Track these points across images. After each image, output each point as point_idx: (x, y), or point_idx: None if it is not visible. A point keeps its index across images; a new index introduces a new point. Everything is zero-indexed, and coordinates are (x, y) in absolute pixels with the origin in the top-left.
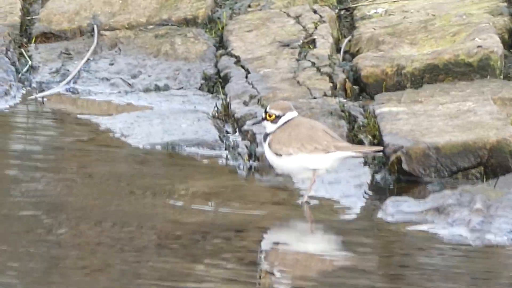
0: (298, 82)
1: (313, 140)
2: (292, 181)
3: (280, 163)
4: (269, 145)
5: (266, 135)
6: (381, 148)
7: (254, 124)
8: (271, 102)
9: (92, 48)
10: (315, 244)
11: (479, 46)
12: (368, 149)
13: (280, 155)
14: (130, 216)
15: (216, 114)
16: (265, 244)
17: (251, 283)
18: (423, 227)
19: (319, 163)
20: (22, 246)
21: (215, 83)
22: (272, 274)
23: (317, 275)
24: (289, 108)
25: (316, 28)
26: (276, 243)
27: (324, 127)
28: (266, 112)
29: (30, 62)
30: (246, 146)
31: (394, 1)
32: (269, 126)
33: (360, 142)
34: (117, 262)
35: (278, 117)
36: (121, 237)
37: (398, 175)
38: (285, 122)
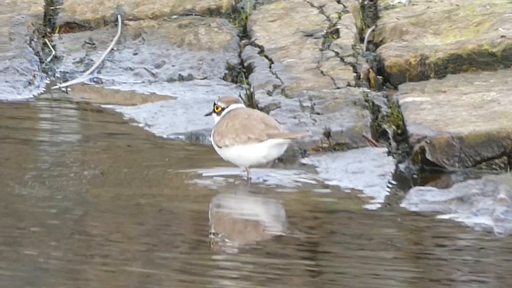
0: (321, 72)
1: (246, 129)
2: (317, 170)
3: (222, 154)
4: (212, 136)
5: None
6: (309, 132)
7: (206, 115)
8: (220, 96)
9: (116, 38)
10: (337, 235)
11: (502, 36)
12: (297, 134)
13: (220, 147)
14: (163, 201)
15: None
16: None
17: None
18: (447, 217)
19: (254, 153)
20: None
21: (239, 73)
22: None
23: (347, 266)
24: (234, 101)
25: (339, 18)
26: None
27: (262, 115)
28: (214, 104)
29: (54, 52)
30: None
31: None
32: (215, 118)
33: (384, 132)
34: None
35: (222, 109)
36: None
37: (422, 165)
38: (227, 113)
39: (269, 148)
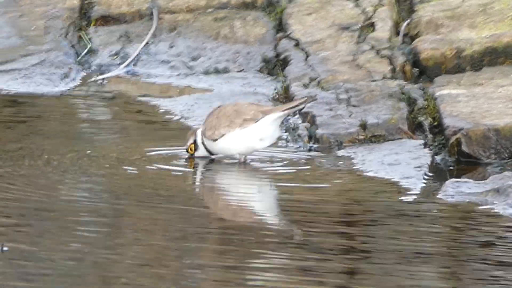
0: (357, 64)
1: (240, 113)
2: (353, 162)
3: (219, 147)
4: (203, 134)
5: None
6: (305, 98)
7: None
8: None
9: (152, 31)
10: (373, 228)
11: None
12: (294, 103)
13: (216, 140)
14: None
15: (276, 96)
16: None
17: None
18: (484, 208)
19: (254, 133)
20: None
21: (275, 65)
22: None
23: (384, 259)
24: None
25: (375, 11)
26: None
27: (247, 102)
28: (186, 150)
29: (89, 45)
30: (306, 128)
31: None
32: (199, 150)
33: (420, 124)
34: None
35: (194, 141)
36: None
37: (458, 156)
38: (209, 115)
39: (268, 126)
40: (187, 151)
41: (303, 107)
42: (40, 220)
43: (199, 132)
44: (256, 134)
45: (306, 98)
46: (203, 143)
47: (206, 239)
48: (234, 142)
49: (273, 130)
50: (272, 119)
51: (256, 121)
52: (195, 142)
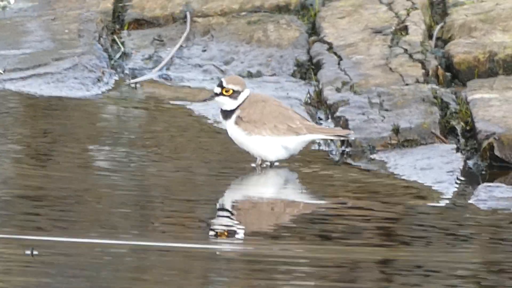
0: (390, 68)
1: (285, 118)
2: (386, 166)
3: (248, 141)
4: (237, 123)
5: (228, 112)
6: (352, 132)
7: (205, 100)
8: (224, 77)
9: (185, 34)
10: (407, 230)
11: None
12: (337, 132)
13: (251, 135)
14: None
15: (309, 101)
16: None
17: None
18: None
19: (290, 145)
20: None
21: (308, 69)
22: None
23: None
24: (245, 83)
25: (408, 14)
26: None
27: (281, 103)
28: (221, 86)
29: (122, 49)
30: None
31: None
32: (227, 102)
33: (452, 129)
34: None
35: (235, 92)
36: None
37: (490, 161)
38: (246, 98)
39: (304, 143)
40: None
41: (345, 137)
42: None
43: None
44: (291, 147)
45: (352, 132)
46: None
47: None
48: (267, 146)
49: (304, 147)
50: (312, 138)
51: (298, 135)
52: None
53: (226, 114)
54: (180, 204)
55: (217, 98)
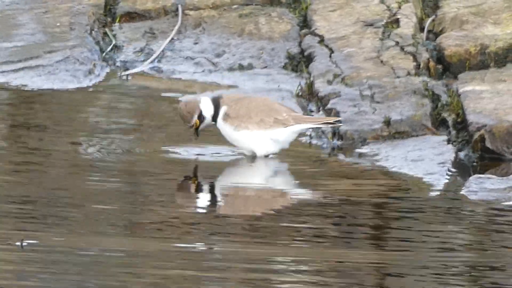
0: (381, 61)
1: (272, 111)
2: (377, 158)
3: (236, 137)
4: (224, 119)
5: (214, 113)
6: (340, 118)
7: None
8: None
9: (177, 27)
10: (398, 221)
11: None
12: (325, 120)
13: (238, 130)
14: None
15: (300, 93)
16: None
17: None
18: (507, 204)
19: (279, 138)
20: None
21: (299, 62)
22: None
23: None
24: (196, 101)
25: (399, 7)
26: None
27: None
28: (191, 125)
29: (114, 41)
30: None
31: None
32: (207, 120)
33: (444, 121)
34: None
35: (200, 114)
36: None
37: (482, 153)
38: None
39: (294, 134)
40: (191, 127)
41: (334, 125)
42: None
43: (206, 103)
44: (280, 139)
45: (338, 119)
46: (216, 120)
47: None
48: (256, 140)
49: (294, 138)
50: (301, 128)
51: (286, 126)
52: (200, 116)
53: (214, 116)
54: (172, 198)
55: (200, 128)
